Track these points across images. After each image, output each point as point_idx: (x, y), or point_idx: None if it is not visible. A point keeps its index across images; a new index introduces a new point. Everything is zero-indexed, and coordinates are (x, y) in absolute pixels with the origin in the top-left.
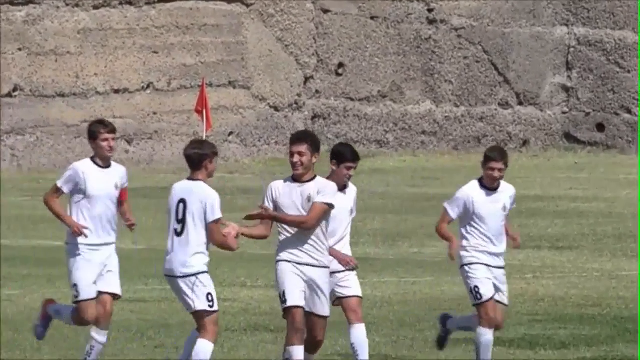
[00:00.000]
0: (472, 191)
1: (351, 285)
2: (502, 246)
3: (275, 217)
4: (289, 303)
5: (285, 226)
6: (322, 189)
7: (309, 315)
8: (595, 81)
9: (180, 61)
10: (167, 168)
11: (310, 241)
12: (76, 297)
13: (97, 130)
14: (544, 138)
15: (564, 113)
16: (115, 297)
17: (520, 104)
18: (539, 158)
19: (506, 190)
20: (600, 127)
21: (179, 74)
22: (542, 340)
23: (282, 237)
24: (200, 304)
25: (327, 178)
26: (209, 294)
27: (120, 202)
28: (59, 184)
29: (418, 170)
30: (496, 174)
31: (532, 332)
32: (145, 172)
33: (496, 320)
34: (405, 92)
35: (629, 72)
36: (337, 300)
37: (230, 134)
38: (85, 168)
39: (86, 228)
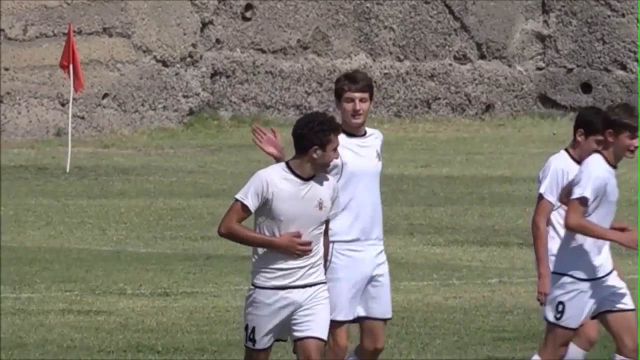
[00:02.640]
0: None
1: None
2: None
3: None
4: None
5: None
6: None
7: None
8: (580, 28)
9: (40, 1)
10: (22, 141)
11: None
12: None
13: (340, 87)
14: (513, 102)
15: (539, 69)
16: (385, 321)
17: (483, 57)
18: (506, 127)
19: None
20: (586, 88)
21: (38, 18)
22: None
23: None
24: None
25: (601, 151)
26: None
27: None
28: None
29: None
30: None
31: (498, 354)
32: None
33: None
34: (333, 41)
35: (623, 15)
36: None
37: (105, 96)
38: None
39: None
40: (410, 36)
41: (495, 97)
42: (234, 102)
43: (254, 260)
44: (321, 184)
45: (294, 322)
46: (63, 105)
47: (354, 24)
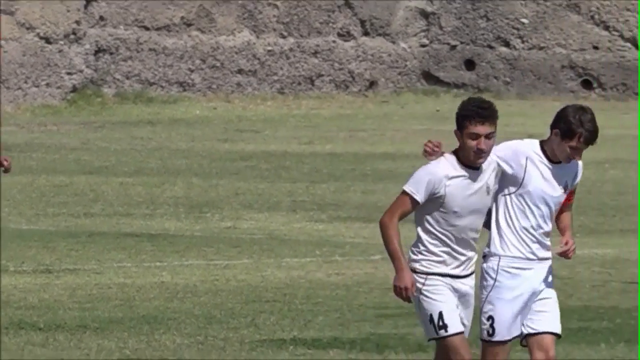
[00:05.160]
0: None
1: None
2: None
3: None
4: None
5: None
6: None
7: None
8: (463, 5)
9: None
10: None
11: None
12: (490, 334)
13: (574, 129)
14: (397, 78)
15: (422, 46)
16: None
17: (366, 34)
18: (389, 104)
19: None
20: (470, 64)
21: None
22: (392, 341)
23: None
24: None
25: None
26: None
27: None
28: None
29: (232, 120)
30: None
31: (380, 331)
32: None
33: None
34: (217, 18)
35: None
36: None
37: None
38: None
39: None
40: (294, 13)
41: (379, 74)
42: (118, 79)
43: (418, 246)
44: (487, 167)
45: None
46: None
47: (238, 1)
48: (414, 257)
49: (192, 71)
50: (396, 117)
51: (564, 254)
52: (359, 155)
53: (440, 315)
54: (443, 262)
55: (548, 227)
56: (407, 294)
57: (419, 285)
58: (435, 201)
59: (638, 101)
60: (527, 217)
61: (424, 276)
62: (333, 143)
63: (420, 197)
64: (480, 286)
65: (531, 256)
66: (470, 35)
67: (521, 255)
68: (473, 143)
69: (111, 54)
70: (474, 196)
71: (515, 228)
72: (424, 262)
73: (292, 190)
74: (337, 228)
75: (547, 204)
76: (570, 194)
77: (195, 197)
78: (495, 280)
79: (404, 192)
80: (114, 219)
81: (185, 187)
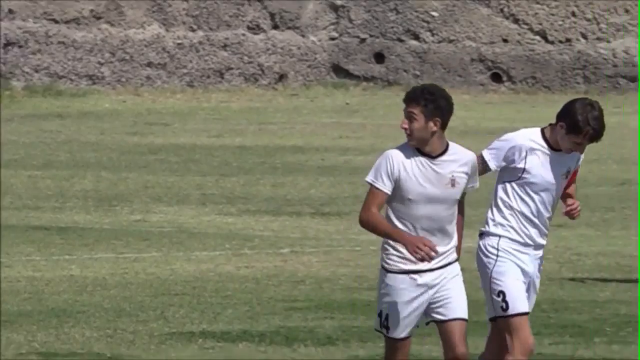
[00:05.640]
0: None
1: None
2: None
3: None
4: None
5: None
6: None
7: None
8: None
9: None
10: None
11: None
12: (504, 309)
13: (587, 131)
14: (306, 71)
15: (332, 39)
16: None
17: (276, 27)
18: (299, 97)
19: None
20: (379, 58)
21: None
22: (302, 334)
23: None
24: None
25: None
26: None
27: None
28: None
29: (142, 113)
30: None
31: (289, 324)
32: None
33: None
34: (126, 12)
35: None
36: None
37: None
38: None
39: None
40: (204, 6)
41: (289, 67)
42: (27, 72)
43: (384, 243)
44: (456, 160)
45: (432, 305)
46: None
47: None
48: (382, 252)
49: (101, 64)
50: (306, 110)
51: (569, 213)
52: (268, 149)
53: (387, 317)
54: (404, 257)
55: (548, 213)
56: (427, 243)
57: (381, 277)
58: (394, 186)
59: (638, 98)
60: (527, 203)
61: (385, 273)
62: (242, 136)
63: (382, 183)
64: (481, 264)
65: (529, 241)
66: (380, 29)
67: (520, 240)
68: None
69: (20, 47)
70: (431, 184)
71: (515, 212)
72: (384, 258)
73: (201, 184)
74: (246, 221)
75: (548, 191)
76: (573, 174)
77: (105, 190)
78: (497, 256)
79: (369, 185)
80: (23, 212)
81: (94, 180)
